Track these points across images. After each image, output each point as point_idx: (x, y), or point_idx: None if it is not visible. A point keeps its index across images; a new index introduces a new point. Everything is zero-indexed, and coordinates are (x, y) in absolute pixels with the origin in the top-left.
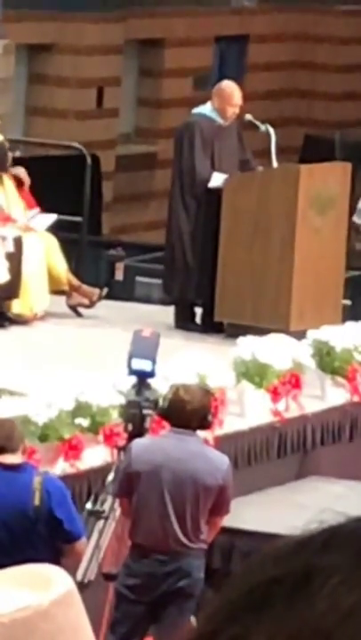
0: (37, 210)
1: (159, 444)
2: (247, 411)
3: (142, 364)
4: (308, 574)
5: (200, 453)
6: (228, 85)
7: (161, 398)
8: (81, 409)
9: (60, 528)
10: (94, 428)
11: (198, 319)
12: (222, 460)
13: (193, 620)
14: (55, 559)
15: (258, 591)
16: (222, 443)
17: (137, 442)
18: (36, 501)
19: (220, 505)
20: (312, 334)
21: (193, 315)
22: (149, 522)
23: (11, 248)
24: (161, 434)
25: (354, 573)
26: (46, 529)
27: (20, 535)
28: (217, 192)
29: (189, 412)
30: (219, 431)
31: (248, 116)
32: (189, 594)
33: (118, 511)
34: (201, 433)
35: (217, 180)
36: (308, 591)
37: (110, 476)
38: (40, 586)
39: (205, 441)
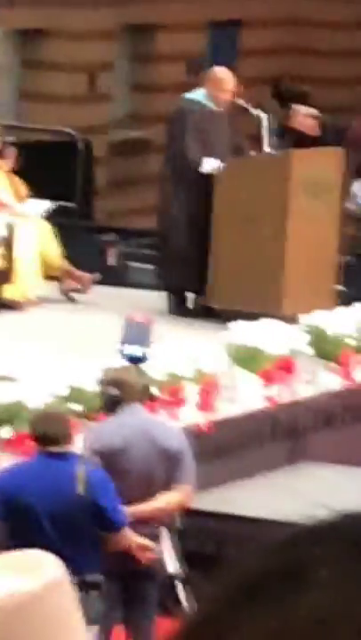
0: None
1: (118, 420)
2: (240, 396)
3: (135, 350)
4: (301, 566)
5: (156, 421)
6: (221, 72)
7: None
8: (74, 394)
9: (103, 517)
10: (87, 414)
11: (191, 304)
12: (175, 426)
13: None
14: (96, 548)
15: (251, 581)
16: (215, 428)
17: (98, 425)
18: (80, 491)
19: (182, 470)
20: (305, 319)
21: (186, 300)
22: (124, 496)
23: (3, 233)
24: (121, 413)
25: (345, 565)
26: (89, 518)
27: (62, 524)
28: (209, 177)
29: (135, 386)
30: (211, 416)
31: (240, 101)
32: (151, 575)
33: None
34: (193, 417)
35: (209, 165)
36: (300, 581)
37: None
38: (31, 571)
39: (198, 426)
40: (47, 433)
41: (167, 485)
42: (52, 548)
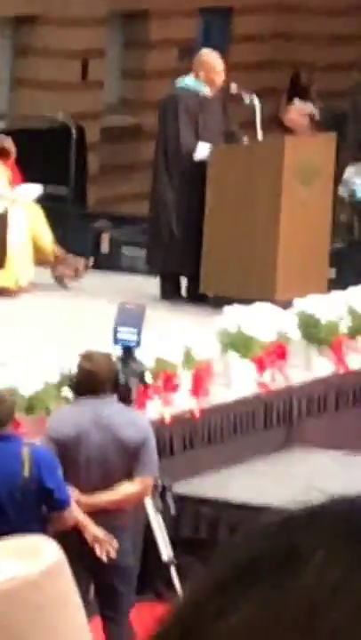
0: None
1: (76, 408)
2: (233, 382)
3: (128, 336)
4: (293, 551)
5: (117, 411)
6: (209, 54)
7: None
8: (66, 380)
9: (50, 497)
10: None
11: (184, 290)
12: (141, 417)
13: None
14: (42, 528)
15: (244, 566)
16: (208, 414)
17: (56, 412)
18: (26, 472)
19: (142, 462)
20: (298, 305)
21: (178, 286)
22: (81, 486)
23: None
24: (80, 401)
25: (338, 550)
26: (35, 499)
27: (8, 506)
28: (202, 164)
29: (100, 379)
30: (205, 402)
31: (234, 88)
32: (116, 567)
33: None
34: (187, 403)
35: (202, 150)
36: (293, 566)
37: None
38: (29, 557)
39: (192, 412)
40: None
41: (127, 477)
42: None
